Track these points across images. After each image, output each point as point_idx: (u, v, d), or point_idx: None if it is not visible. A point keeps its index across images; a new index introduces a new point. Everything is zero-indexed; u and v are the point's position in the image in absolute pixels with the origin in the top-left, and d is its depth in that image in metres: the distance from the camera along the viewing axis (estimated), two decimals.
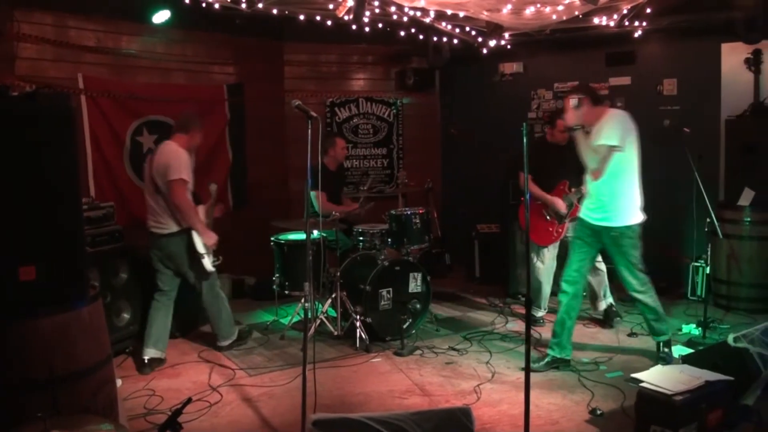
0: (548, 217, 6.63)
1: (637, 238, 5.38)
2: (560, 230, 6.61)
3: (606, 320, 6.75)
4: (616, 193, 5.30)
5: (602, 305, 6.79)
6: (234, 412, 4.86)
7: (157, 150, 5.59)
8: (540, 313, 6.86)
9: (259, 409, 4.89)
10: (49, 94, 4.72)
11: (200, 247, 5.53)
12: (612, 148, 5.15)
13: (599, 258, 6.76)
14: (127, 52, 7.19)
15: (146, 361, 5.63)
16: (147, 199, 5.61)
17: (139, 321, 5.98)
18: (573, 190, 6.48)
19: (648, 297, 5.47)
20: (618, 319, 6.75)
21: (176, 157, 5.42)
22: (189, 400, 4.05)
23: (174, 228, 5.51)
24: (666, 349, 5.50)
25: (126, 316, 5.99)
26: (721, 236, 6.35)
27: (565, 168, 6.50)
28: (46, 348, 3.28)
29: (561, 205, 6.52)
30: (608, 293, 6.80)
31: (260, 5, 6.33)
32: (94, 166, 6.72)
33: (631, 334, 6.36)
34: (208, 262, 5.60)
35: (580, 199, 6.55)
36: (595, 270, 6.81)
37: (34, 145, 3.32)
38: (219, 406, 4.95)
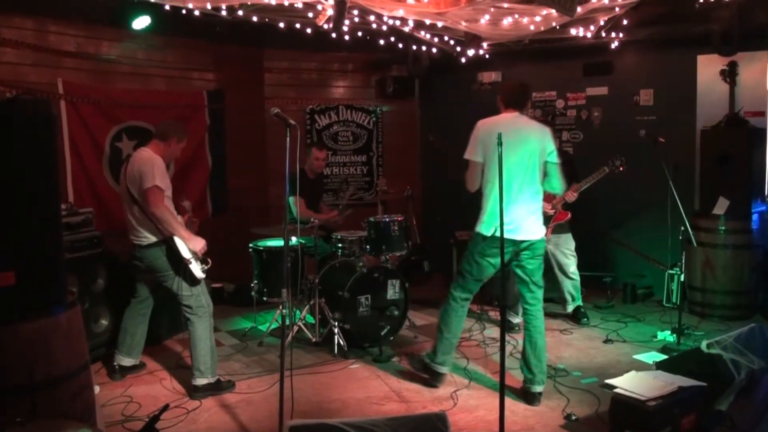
0: None
1: (473, 246, 5.23)
2: (545, 235, 6.71)
3: (577, 319, 7.12)
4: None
5: (570, 307, 7.18)
6: (212, 418, 4.86)
7: (130, 158, 5.27)
8: (517, 320, 6.92)
9: (237, 415, 4.90)
10: (30, 100, 4.70)
11: (185, 253, 5.16)
12: (467, 161, 5.20)
13: (572, 265, 6.90)
14: (107, 58, 7.17)
15: (117, 367, 5.59)
16: (125, 210, 5.31)
17: (117, 327, 5.92)
18: (557, 197, 6.63)
19: (450, 306, 5.38)
20: (585, 320, 7.04)
21: (149, 165, 5.08)
22: (166, 407, 4.07)
23: (152, 239, 5.18)
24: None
25: (104, 322, 5.98)
26: (695, 244, 6.43)
27: None
28: (25, 353, 3.27)
29: (546, 207, 6.61)
30: (579, 297, 7.15)
31: (240, 12, 6.35)
32: (72, 171, 6.69)
33: (607, 341, 6.43)
34: (196, 268, 5.23)
35: (563, 206, 6.68)
36: (568, 276, 6.94)
37: (13, 150, 3.31)
38: (197, 412, 4.94)
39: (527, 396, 5.12)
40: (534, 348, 5.11)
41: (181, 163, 7.74)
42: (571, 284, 7.09)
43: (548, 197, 6.72)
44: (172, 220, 5.12)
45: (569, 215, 6.87)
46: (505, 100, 5.31)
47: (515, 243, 5.07)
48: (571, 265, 7.02)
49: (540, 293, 5.23)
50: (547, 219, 6.68)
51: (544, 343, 5.17)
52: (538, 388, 5.08)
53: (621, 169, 6.69)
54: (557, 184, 5.22)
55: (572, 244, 7.04)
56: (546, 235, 6.67)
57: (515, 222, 4.99)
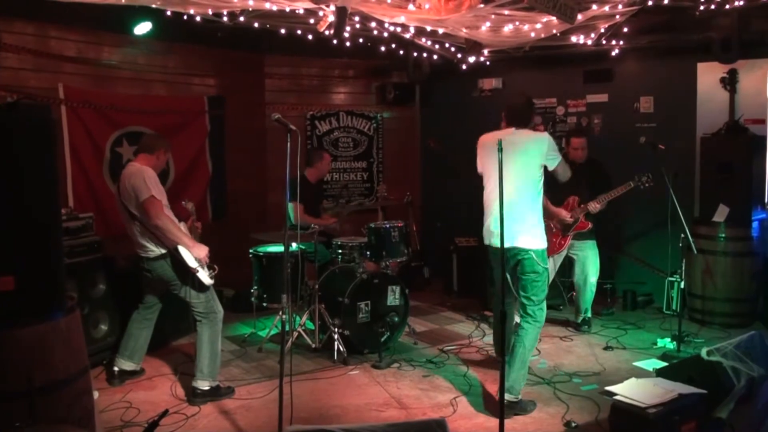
0: (554, 229, 6.70)
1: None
2: (563, 242, 6.76)
3: (579, 326, 7.07)
4: None
5: (580, 318, 7.10)
6: (211, 424, 4.86)
7: (121, 176, 5.27)
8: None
9: (236, 421, 4.89)
10: (30, 105, 4.70)
11: (191, 262, 5.15)
12: None
13: (593, 276, 6.94)
14: (108, 63, 7.18)
15: (116, 372, 5.59)
16: (126, 226, 5.32)
17: (117, 333, 5.94)
18: (581, 206, 6.61)
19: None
20: (586, 327, 7.02)
21: (140, 177, 5.07)
22: (166, 413, 4.05)
23: (157, 251, 5.20)
24: None
25: (103, 327, 5.97)
26: (695, 252, 6.43)
27: (578, 185, 6.55)
28: (24, 358, 3.26)
29: (565, 215, 6.59)
30: (589, 310, 7.10)
31: (241, 18, 6.36)
32: (73, 176, 6.69)
33: (607, 348, 6.42)
34: (204, 275, 5.25)
35: (586, 216, 6.65)
36: (586, 286, 6.89)
37: (12, 155, 3.30)
38: (196, 418, 4.94)
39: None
40: (511, 354, 5.05)
41: (181, 168, 7.75)
42: (589, 296, 6.99)
43: (566, 205, 6.71)
44: (175, 229, 5.13)
45: (590, 225, 6.78)
46: (506, 118, 5.47)
47: (505, 250, 5.05)
48: (592, 275, 6.92)
49: (533, 309, 5.13)
50: (566, 227, 6.69)
51: (523, 354, 5.05)
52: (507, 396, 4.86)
53: (647, 185, 6.62)
54: (560, 175, 5.36)
55: (595, 254, 6.93)
56: (564, 243, 6.70)
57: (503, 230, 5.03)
